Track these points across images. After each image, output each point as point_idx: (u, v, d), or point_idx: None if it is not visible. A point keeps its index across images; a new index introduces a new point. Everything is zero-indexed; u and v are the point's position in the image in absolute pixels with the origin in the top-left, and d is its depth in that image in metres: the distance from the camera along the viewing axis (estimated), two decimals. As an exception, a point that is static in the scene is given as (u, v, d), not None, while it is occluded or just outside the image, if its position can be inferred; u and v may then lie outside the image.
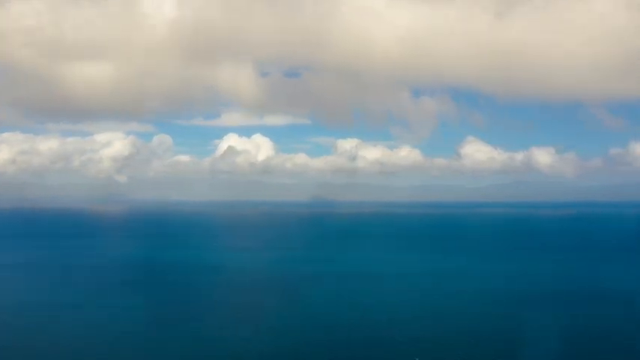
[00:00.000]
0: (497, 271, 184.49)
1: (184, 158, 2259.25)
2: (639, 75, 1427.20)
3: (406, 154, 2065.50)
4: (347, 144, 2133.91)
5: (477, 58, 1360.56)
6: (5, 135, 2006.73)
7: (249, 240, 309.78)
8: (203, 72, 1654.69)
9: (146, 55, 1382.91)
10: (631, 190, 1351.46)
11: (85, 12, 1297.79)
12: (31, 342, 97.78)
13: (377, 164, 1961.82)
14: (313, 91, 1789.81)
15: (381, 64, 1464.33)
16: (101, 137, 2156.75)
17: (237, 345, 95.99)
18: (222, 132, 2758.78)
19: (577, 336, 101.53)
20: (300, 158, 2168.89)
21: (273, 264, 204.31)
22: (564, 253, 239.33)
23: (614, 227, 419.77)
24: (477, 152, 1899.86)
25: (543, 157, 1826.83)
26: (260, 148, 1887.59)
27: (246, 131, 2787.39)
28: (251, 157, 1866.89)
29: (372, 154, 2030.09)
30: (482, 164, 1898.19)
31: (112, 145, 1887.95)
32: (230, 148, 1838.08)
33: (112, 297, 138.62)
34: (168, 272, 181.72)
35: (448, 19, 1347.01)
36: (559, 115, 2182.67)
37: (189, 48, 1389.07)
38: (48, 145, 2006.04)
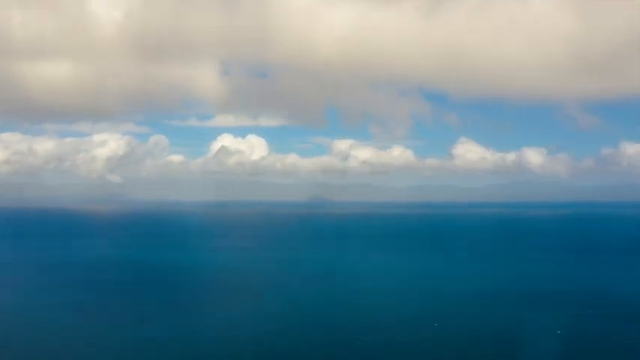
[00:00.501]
0: (496, 271, 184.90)
1: (180, 159, 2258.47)
2: (598, 76, 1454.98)
3: (399, 154, 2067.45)
4: (342, 144, 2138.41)
5: (432, 58, 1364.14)
6: (3, 135, 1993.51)
7: (245, 240, 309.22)
8: (164, 71, 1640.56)
9: (104, 55, 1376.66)
10: (624, 190, 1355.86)
11: (33, 12, 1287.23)
12: (28, 342, 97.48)
13: (370, 164, 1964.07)
14: (279, 90, 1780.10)
15: (344, 63, 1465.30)
16: (98, 138, 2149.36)
17: (237, 345, 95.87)
18: (217, 132, 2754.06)
19: (577, 336, 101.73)
20: (295, 159, 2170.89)
21: (270, 264, 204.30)
22: (562, 253, 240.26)
23: (610, 228, 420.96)
24: (469, 152, 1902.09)
25: (535, 157, 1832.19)
26: (255, 149, 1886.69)
27: (241, 132, 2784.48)
28: (246, 158, 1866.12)
29: (365, 154, 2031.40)
30: (474, 164, 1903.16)
31: (108, 145, 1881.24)
32: (225, 149, 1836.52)
33: (108, 297, 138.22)
34: (164, 272, 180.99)
35: (400, 19, 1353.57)
36: (539, 116, 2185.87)
37: (145, 47, 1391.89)
38: (44, 146, 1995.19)
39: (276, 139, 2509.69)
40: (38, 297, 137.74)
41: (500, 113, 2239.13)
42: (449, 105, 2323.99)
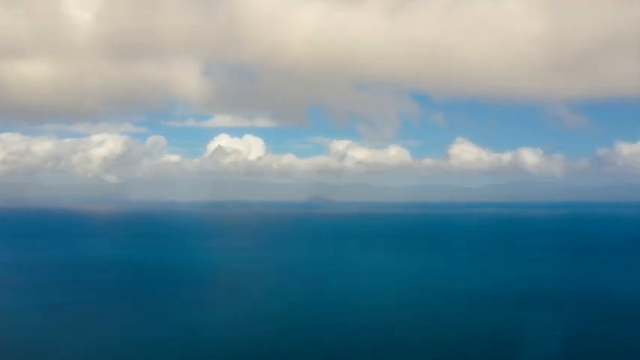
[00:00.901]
0: (495, 271, 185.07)
1: (179, 159, 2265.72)
2: (593, 76, 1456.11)
3: (395, 154, 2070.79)
4: (339, 144, 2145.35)
5: (432, 58, 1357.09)
6: (2, 136, 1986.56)
7: (243, 240, 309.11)
8: (164, 72, 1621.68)
9: (82, 55, 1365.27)
10: (619, 190, 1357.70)
11: (5, 12, 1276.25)
12: (28, 342, 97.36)
13: (367, 165, 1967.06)
14: (263, 90, 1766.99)
15: (326, 63, 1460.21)
16: (96, 138, 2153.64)
17: (237, 345, 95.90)
18: (214, 133, 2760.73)
19: (576, 336, 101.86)
20: (292, 159, 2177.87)
21: (269, 264, 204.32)
22: (560, 253, 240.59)
23: (607, 228, 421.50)
24: (465, 153, 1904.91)
25: (531, 157, 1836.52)
26: (252, 149, 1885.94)
27: (238, 132, 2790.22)
28: (243, 158, 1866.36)
29: (362, 154, 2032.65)
30: (470, 165, 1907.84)
31: (106, 145, 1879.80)
32: (222, 149, 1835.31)
33: (108, 297, 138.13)
34: (164, 272, 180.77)
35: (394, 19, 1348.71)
36: (534, 117, 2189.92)
37: (144, 47, 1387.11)
38: (43, 146, 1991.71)
39: (272, 139, 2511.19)
40: (37, 297, 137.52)
41: (496, 114, 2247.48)
42: (447, 106, 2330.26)
